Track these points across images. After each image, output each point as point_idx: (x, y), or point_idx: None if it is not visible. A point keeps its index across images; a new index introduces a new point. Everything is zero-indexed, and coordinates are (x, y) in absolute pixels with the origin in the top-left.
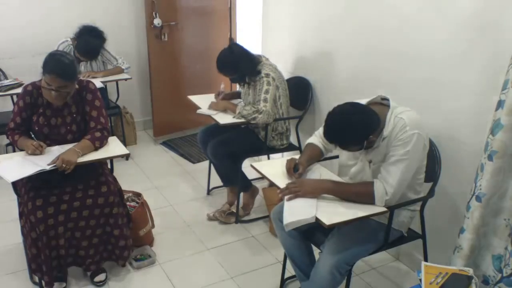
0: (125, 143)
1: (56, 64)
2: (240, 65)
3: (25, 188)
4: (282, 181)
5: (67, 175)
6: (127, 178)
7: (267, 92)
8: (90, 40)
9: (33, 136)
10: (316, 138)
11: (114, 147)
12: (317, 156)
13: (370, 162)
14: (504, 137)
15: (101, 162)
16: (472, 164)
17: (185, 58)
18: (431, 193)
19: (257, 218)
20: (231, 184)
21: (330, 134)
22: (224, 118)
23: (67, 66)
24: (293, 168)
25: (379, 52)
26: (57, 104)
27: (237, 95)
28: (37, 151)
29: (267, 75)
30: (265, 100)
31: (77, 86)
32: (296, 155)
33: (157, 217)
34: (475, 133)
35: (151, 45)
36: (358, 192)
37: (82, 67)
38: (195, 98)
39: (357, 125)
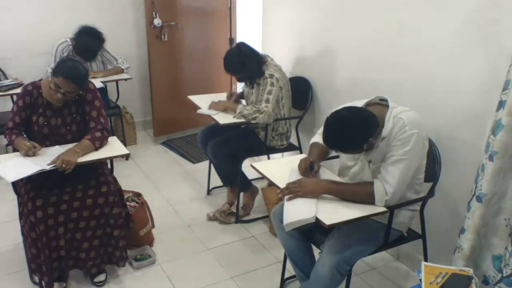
0: (125, 143)
1: (74, 70)
2: (247, 64)
3: (25, 188)
4: (282, 181)
5: (67, 175)
6: (127, 178)
7: (269, 92)
8: (87, 41)
9: (25, 136)
10: (320, 137)
11: (114, 147)
12: (325, 153)
13: (369, 162)
14: (504, 137)
15: (101, 162)
16: (472, 164)
17: (185, 58)
18: (431, 193)
19: (257, 218)
20: (231, 184)
21: (330, 142)
22: (224, 118)
23: (84, 76)
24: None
25: (379, 52)
26: (57, 104)
27: None
28: (30, 153)
29: (271, 76)
30: (267, 101)
31: None
32: (296, 155)
33: (157, 217)
34: (475, 133)
35: (151, 45)
36: (358, 192)
37: None
38: (195, 98)
39: (356, 132)
